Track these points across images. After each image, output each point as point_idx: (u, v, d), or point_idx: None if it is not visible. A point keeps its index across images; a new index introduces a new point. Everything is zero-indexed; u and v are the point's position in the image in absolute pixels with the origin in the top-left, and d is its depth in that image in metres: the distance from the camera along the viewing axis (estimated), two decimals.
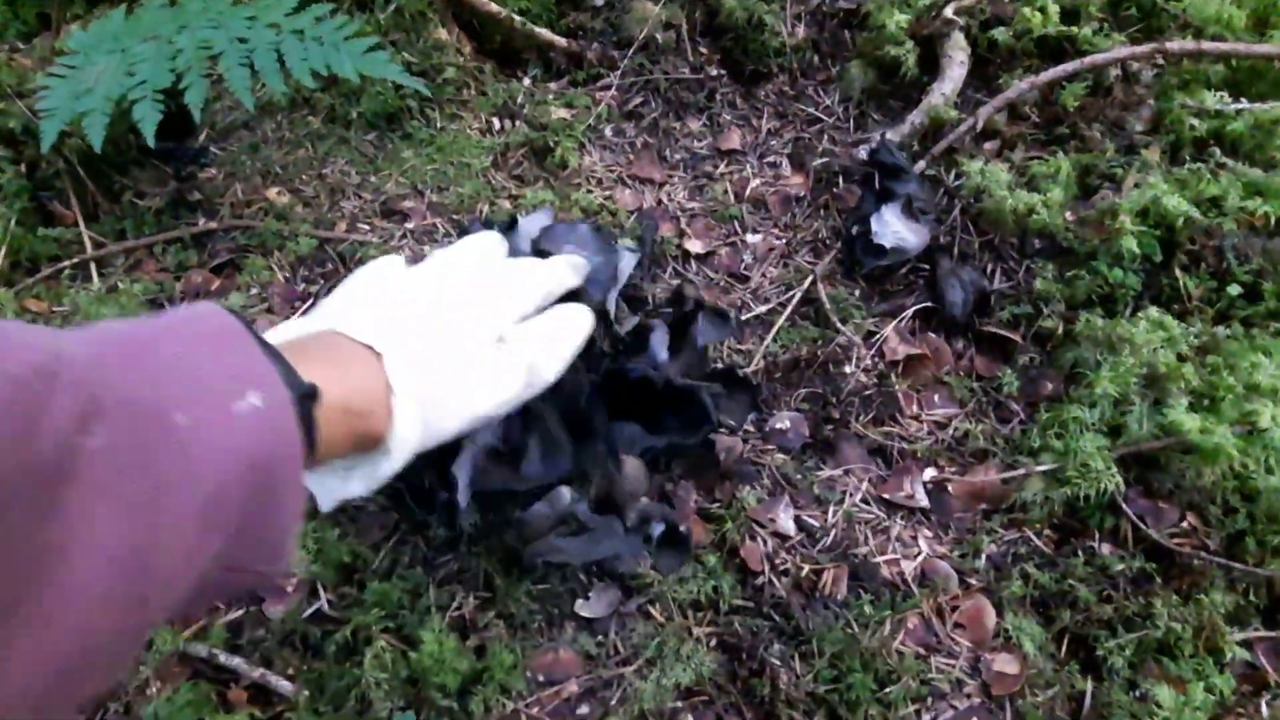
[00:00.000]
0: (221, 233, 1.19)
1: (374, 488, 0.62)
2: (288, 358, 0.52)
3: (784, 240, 1.26)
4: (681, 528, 0.91)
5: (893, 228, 1.15)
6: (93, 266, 1.13)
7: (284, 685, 0.83)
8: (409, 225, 1.21)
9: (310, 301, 1.12)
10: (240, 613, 0.89)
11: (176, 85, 1.02)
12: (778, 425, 1.07)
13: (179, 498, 0.41)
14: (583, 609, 0.87)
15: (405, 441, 0.60)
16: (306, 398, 0.51)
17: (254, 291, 1.13)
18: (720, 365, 1.03)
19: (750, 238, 1.27)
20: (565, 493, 0.85)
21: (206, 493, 0.42)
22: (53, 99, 1.01)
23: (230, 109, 1.32)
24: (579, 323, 0.81)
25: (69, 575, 0.37)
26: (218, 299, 1.11)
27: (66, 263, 1.12)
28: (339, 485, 0.62)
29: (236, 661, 0.84)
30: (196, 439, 0.42)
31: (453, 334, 0.68)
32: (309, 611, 0.88)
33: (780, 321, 1.16)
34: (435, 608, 0.90)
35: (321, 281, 1.15)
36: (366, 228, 1.20)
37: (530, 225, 1.00)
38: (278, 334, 0.61)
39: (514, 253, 1.06)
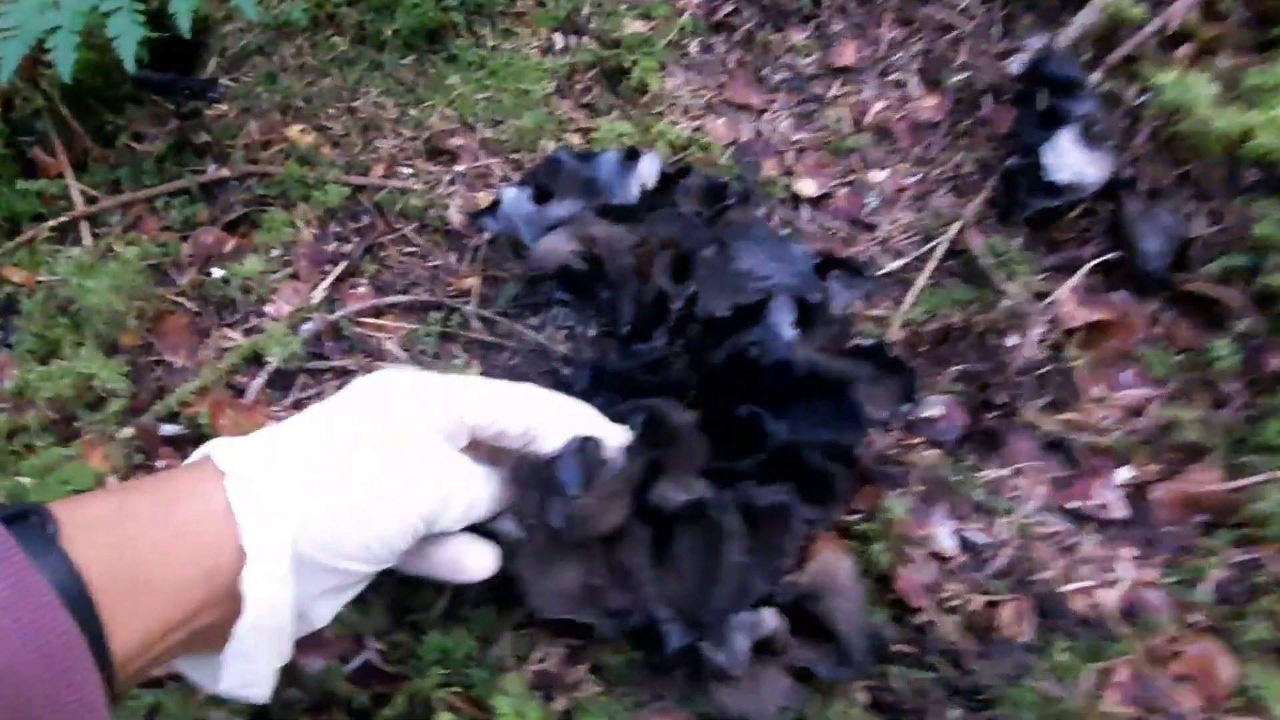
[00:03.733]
0: (235, 181, 0.98)
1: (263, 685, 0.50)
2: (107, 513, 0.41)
3: (917, 177, 1.02)
4: None
5: (1069, 159, 0.90)
6: (83, 226, 0.94)
7: None
8: (459, 167, 0.99)
9: (341, 265, 0.92)
10: None
11: None
12: (926, 412, 0.85)
13: None
14: (743, 706, 0.66)
15: (261, 594, 0.45)
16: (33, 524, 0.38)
17: (275, 253, 0.93)
18: (865, 342, 0.80)
19: (874, 175, 1.03)
20: (769, 617, 0.65)
21: None
22: (14, 15, 0.80)
23: (242, 31, 1.10)
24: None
25: None
26: (232, 263, 0.91)
27: (52, 221, 0.93)
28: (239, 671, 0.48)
29: None
30: None
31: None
32: (353, 666, 0.70)
33: (921, 280, 0.93)
34: (512, 658, 0.70)
35: (356, 239, 0.95)
36: (408, 171, 0.98)
37: (649, 167, 0.79)
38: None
39: (624, 195, 0.85)
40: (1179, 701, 0.72)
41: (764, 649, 0.66)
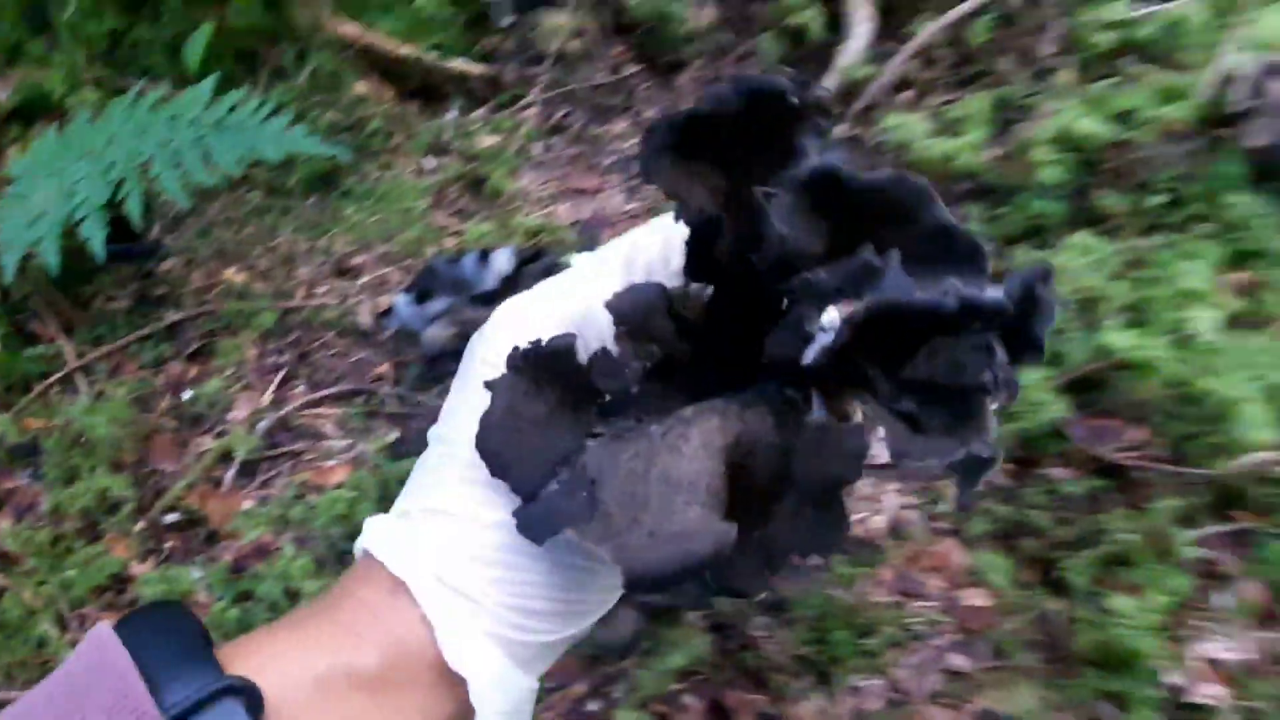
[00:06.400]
0: (189, 321, 1.25)
1: None
2: (276, 639, 0.41)
3: None
4: None
5: None
6: (78, 377, 1.20)
7: None
8: (363, 280, 1.26)
9: (282, 372, 1.19)
10: None
11: (116, 195, 1.08)
12: None
13: None
14: (604, 637, 0.93)
15: (487, 699, 0.41)
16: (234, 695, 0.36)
17: (229, 372, 1.20)
18: None
19: None
20: None
21: None
22: (7, 231, 1.07)
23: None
24: None
25: None
26: (197, 386, 1.18)
27: (55, 376, 1.20)
28: None
29: None
30: None
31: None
32: None
33: None
34: None
35: (290, 350, 1.22)
36: (323, 289, 1.26)
37: (501, 261, 1.06)
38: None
39: (485, 286, 1.12)
40: (928, 586, 0.99)
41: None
